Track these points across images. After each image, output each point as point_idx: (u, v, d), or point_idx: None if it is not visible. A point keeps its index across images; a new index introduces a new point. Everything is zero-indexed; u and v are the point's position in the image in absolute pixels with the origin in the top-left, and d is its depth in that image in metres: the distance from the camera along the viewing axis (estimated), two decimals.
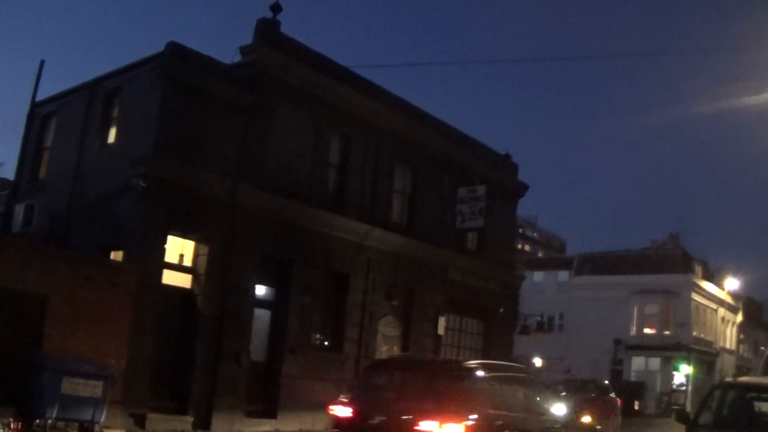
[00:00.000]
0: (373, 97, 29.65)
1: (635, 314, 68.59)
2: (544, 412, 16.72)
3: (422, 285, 31.71)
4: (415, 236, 31.36)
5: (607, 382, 43.28)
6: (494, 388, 14.75)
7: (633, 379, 64.61)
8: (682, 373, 67.21)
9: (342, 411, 14.27)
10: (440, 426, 12.79)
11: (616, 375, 62.91)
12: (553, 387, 34.43)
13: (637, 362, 68.11)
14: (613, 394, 37.04)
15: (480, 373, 14.54)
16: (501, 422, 14.06)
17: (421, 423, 12.86)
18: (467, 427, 12.92)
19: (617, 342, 65.32)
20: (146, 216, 22.11)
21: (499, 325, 36.62)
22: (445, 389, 13.72)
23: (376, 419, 13.65)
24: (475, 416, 13.27)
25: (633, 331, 68.24)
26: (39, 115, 28.97)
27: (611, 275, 70.21)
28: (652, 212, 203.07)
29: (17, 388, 17.96)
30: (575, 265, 75.21)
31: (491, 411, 13.99)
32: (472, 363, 15.27)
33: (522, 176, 38.98)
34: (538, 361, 67.34)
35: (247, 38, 26.11)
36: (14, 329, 18.96)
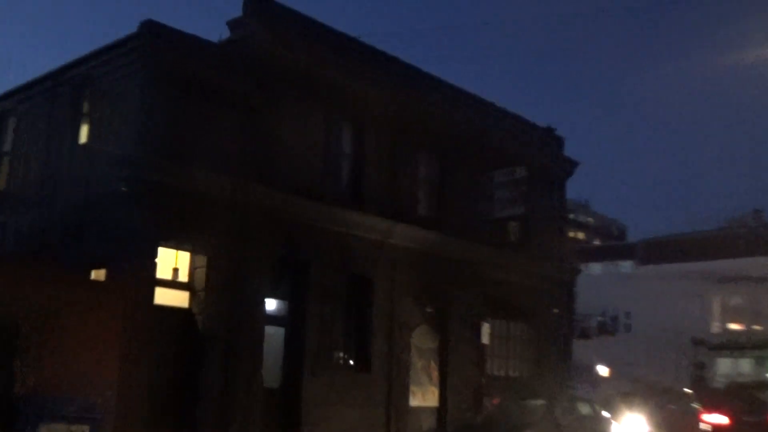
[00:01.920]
0: (386, 70, 29.74)
1: (716, 308, 67.91)
2: None
3: (459, 287, 31.76)
4: (446, 231, 31.42)
5: (688, 390, 42.77)
6: None
7: (719, 385, 63.61)
8: None
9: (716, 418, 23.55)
10: None
11: (698, 381, 62.13)
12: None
13: (724, 365, 67.06)
14: (695, 405, 36.51)
15: None
16: None
17: None
18: None
19: (696, 342, 64.51)
20: (132, 226, 22.19)
21: (554, 329, 36.62)
22: None
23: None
24: None
25: (715, 327, 67.53)
26: None
27: (684, 262, 69.43)
28: (729, 186, 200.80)
29: None
30: (639, 253, 74.67)
31: None
32: None
33: (569, 152, 38.95)
34: (603, 370, 67.02)
35: (236, 11, 26.16)
36: None
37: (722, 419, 30.26)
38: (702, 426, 30.68)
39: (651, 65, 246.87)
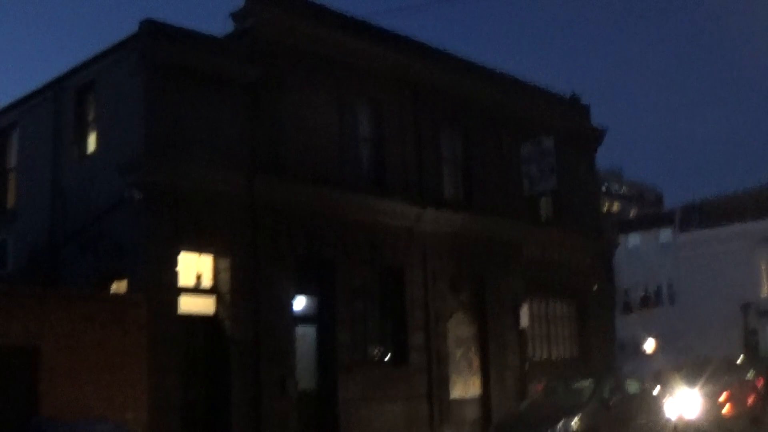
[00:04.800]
0: (401, 49, 29.62)
1: (765, 270, 67.38)
2: None
3: (494, 270, 31.69)
4: (477, 212, 31.32)
5: (741, 359, 42.33)
6: None
7: None
8: None
9: None
10: None
11: (752, 348, 61.68)
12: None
13: None
14: (751, 374, 36.01)
15: None
16: None
17: None
18: None
19: (746, 307, 64.02)
20: (148, 233, 22.20)
21: (595, 306, 36.51)
22: None
23: None
24: None
25: (765, 291, 67.03)
26: None
27: (727, 225, 68.73)
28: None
29: None
30: (679, 219, 73.96)
31: None
32: None
33: (597, 119, 38.80)
34: (649, 344, 66.77)
35: (237, 3, 26.10)
36: (3, 392, 18.87)
37: None
38: None
39: (678, 17, 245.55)
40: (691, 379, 32.00)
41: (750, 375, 34.83)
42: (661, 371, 35.57)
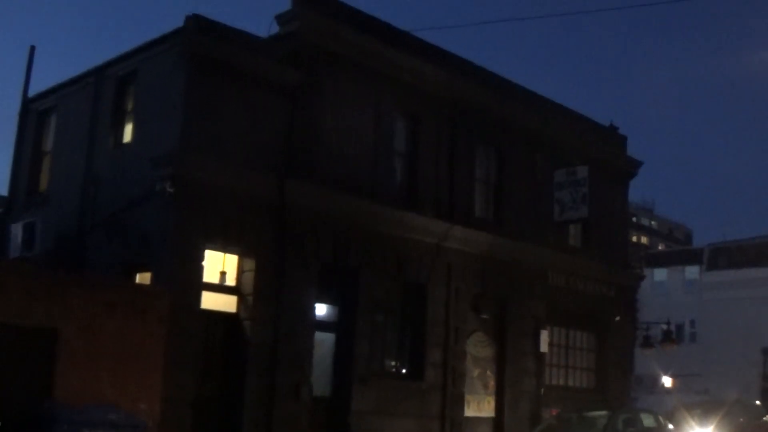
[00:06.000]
0: (442, 65, 29.59)
1: None
2: None
3: (517, 293, 31.59)
4: (505, 233, 31.24)
5: (758, 402, 42.17)
6: None
7: None
8: None
9: None
10: None
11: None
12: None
13: None
14: (767, 418, 35.87)
15: None
16: None
17: None
18: None
19: (766, 351, 63.91)
20: (177, 227, 22.29)
21: (615, 338, 36.29)
22: None
23: None
24: None
25: None
26: (34, 113, 29.31)
27: (754, 268, 68.71)
28: None
29: None
30: (706, 259, 73.95)
31: None
32: None
33: (632, 151, 38.66)
34: (666, 381, 66.45)
35: (283, 6, 26.21)
36: (18, 374, 18.93)
37: None
38: None
39: (719, 58, 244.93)
40: (706, 418, 31.91)
41: (767, 418, 34.71)
42: (675, 409, 35.43)
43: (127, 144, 25.31)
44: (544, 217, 32.92)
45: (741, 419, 33.99)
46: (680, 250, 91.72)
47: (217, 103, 23.35)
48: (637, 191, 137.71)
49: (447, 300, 28.98)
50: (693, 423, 31.93)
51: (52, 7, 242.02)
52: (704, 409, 35.01)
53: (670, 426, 29.63)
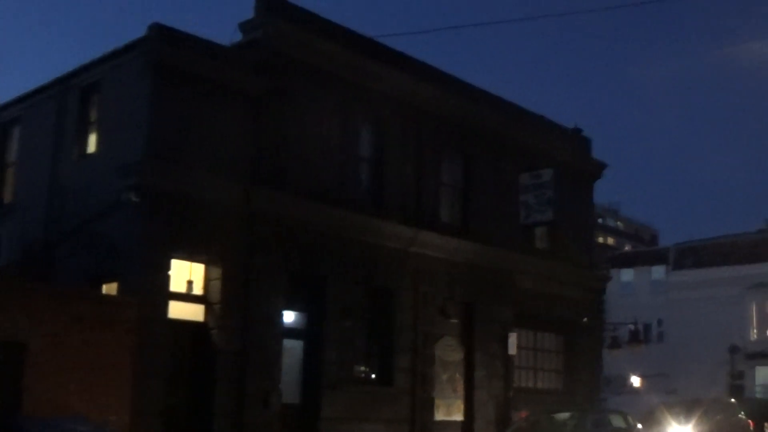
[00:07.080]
0: (408, 71, 29.68)
1: (754, 314, 67.22)
2: None
3: (484, 297, 31.69)
4: (472, 238, 31.35)
5: (733, 400, 42.41)
6: None
7: (759, 395, 63.08)
8: None
9: None
10: None
11: (737, 391, 61.54)
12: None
13: (763, 374, 66.42)
14: (742, 415, 36.09)
15: None
16: None
17: None
18: None
19: (734, 350, 63.92)
20: (143, 237, 22.26)
21: (583, 340, 36.49)
22: None
23: None
24: None
25: (753, 335, 66.98)
26: None
27: (719, 267, 68.94)
28: (765, 187, 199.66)
29: None
30: (672, 259, 74.14)
31: None
32: None
33: (597, 154, 38.87)
34: (635, 381, 66.64)
35: (246, 13, 26.18)
36: None
37: None
38: None
39: (681, 59, 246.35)
40: (684, 417, 32.22)
41: (742, 415, 35.08)
42: (655, 408, 35.69)
43: (93, 154, 25.22)
44: (510, 221, 33.07)
45: (718, 417, 34.41)
46: (646, 251, 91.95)
47: (183, 112, 23.32)
48: (602, 193, 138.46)
49: (415, 305, 29.05)
50: (673, 421, 32.24)
51: (15, 17, 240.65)
52: (683, 408, 35.44)
53: (639, 426, 29.82)
